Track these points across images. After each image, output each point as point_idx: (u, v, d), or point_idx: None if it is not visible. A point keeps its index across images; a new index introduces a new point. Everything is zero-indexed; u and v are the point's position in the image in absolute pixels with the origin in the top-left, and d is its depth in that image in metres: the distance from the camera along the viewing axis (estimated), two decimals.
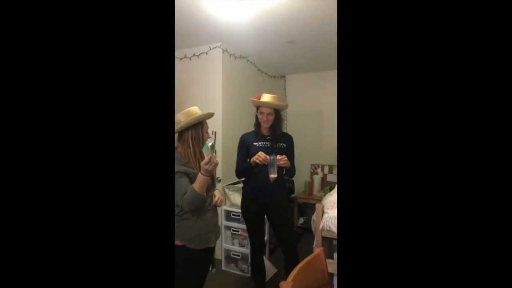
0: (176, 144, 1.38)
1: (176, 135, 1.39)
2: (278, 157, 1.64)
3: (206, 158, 1.18)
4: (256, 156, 1.64)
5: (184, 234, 1.32)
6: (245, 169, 1.79)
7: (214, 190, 1.45)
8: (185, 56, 2.78)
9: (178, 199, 1.26)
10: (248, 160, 1.78)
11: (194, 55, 2.73)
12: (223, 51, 2.64)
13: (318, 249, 1.15)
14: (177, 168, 1.26)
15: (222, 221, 2.56)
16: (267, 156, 1.63)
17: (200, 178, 1.23)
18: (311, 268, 1.06)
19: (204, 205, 1.34)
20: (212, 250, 1.44)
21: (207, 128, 1.42)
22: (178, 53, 2.81)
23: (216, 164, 1.22)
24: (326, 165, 3.70)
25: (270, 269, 2.39)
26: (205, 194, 1.28)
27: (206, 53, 2.68)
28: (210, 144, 1.20)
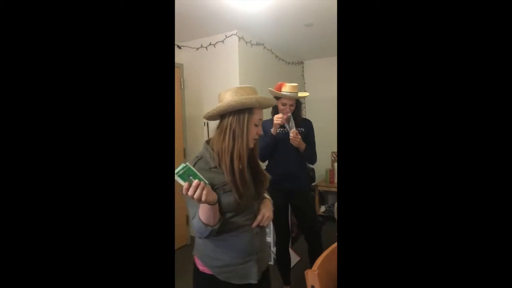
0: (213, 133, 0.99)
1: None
2: (292, 133, 1.68)
3: (185, 186, 0.77)
4: (275, 119, 1.63)
5: (211, 260, 0.95)
6: (268, 144, 1.72)
7: (260, 204, 1.02)
8: (201, 46, 2.76)
9: (190, 216, 0.92)
10: (266, 145, 1.73)
11: (210, 44, 2.70)
12: (239, 38, 2.60)
13: None
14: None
15: None
16: (286, 115, 1.66)
17: (203, 206, 0.83)
18: (336, 256, 1.04)
19: (232, 228, 0.93)
20: (256, 287, 0.98)
21: (260, 120, 0.97)
22: (193, 43, 2.80)
23: (202, 195, 0.77)
24: None
25: (293, 257, 2.39)
26: (215, 224, 0.86)
27: (222, 41, 2.64)
28: (181, 168, 0.74)
